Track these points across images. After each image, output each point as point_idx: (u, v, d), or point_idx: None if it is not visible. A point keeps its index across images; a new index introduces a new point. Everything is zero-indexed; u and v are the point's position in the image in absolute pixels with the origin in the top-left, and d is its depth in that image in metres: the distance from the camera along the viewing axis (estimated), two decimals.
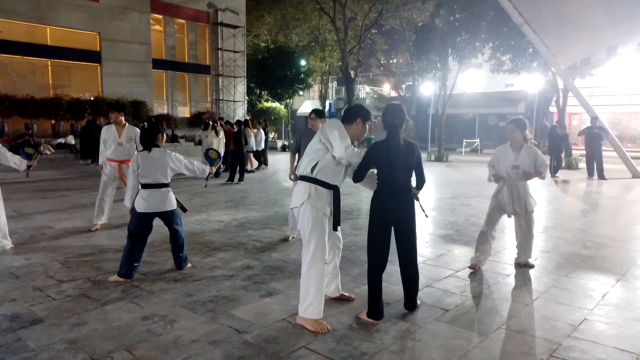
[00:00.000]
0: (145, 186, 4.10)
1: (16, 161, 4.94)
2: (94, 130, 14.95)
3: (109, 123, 6.15)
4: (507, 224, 6.79)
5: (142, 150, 4.16)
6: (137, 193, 4.15)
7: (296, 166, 5.33)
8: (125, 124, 6.09)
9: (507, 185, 4.56)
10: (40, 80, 20.76)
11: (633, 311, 3.58)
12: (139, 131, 5.98)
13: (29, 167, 5.06)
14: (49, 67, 21.01)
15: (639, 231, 6.51)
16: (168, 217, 4.23)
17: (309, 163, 3.26)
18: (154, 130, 4.22)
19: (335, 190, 3.28)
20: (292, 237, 5.65)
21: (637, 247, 5.54)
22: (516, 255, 4.81)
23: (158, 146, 4.19)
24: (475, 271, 4.52)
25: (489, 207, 4.70)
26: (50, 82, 21.03)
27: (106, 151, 6.01)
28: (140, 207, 4.07)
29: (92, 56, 21.86)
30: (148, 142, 4.16)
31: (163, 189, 4.14)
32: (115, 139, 5.94)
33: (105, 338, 2.98)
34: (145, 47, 23.35)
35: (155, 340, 2.96)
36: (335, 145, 3.18)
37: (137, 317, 3.31)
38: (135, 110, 21.41)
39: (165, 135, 4.29)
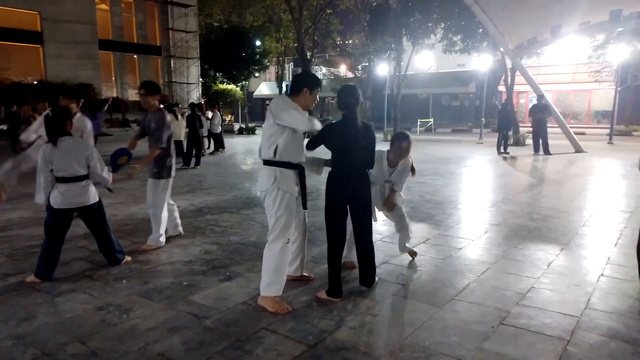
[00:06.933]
0: (61, 180, 3.70)
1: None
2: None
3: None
4: (461, 199, 7.02)
5: (49, 142, 3.69)
6: (53, 187, 3.74)
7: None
8: (76, 113, 5.32)
9: (378, 185, 4.10)
10: None
11: (575, 277, 3.81)
12: (89, 124, 5.46)
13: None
14: None
15: (582, 203, 6.89)
16: (89, 213, 3.85)
17: (270, 147, 3.18)
18: (63, 117, 3.71)
19: (300, 169, 3.27)
20: None
21: (579, 218, 5.86)
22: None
23: (69, 134, 3.76)
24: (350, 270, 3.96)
25: None
26: None
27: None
28: (56, 202, 3.70)
29: (33, 37, 20.68)
30: (56, 130, 3.68)
31: (82, 182, 3.74)
32: None
33: (56, 331, 2.88)
34: (90, 27, 22.27)
35: (110, 330, 2.89)
36: (295, 122, 3.09)
37: (91, 308, 3.22)
38: (82, 94, 20.47)
39: (72, 122, 3.84)
